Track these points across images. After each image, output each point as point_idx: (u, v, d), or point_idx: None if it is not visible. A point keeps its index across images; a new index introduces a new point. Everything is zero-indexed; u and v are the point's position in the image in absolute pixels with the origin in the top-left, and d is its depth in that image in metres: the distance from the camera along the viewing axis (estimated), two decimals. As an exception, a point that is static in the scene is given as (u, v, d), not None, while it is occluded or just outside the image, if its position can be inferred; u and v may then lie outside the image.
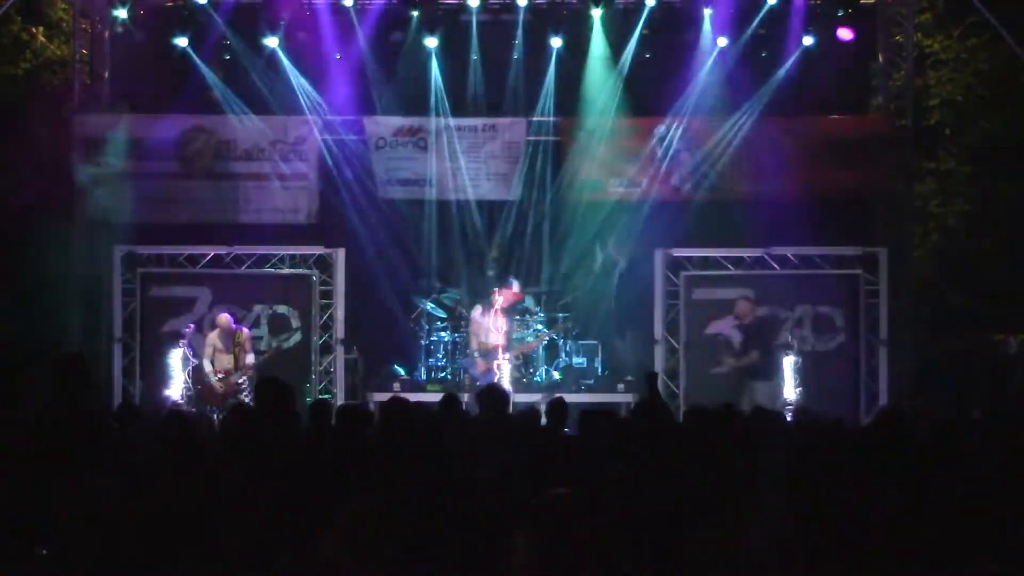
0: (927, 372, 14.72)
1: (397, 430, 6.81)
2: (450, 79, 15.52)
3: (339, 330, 14.91)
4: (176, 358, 13.97)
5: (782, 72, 15.29)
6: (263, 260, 15.10)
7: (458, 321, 15.11)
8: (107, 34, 15.45)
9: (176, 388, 13.86)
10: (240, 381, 13.62)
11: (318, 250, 15.07)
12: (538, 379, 14.75)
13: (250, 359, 13.78)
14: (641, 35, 15.38)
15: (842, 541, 5.11)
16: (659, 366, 14.48)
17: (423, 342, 15.06)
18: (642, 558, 4.88)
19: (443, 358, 14.97)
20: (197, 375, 13.90)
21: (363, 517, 3.74)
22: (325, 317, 15.00)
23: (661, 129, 15.28)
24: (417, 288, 15.38)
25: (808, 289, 14.95)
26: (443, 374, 14.88)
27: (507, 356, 14.17)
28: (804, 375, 14.09)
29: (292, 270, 15.12)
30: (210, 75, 15.33)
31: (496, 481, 5.87)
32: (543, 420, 8.60)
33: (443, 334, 15.07)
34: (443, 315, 15.21)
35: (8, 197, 14.31)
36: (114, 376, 14.69)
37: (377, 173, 15.46)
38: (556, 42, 15.32)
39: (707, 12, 15.22)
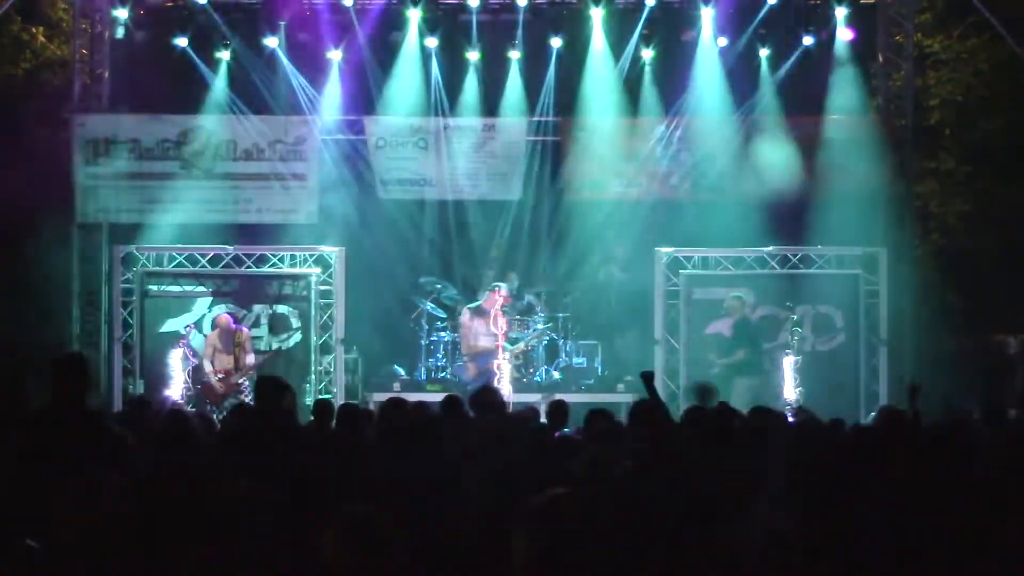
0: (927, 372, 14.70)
1: (396, 430, 6.82)
2: (450, 79, 15.54)
3: (339, 330, 14.92)
4: (176, 358, 13.96)
5: (782, 72, 15.32)
6: (263, 260, 15.12)
7: (458, 321, 15.12)
8: (107, 34, 15.45)
9: (176, 388, 13.84)
10: (240, 381, 13.64)
11: (318, 250, 15.08)
12: (538, 379, 14.76)
13: (250, 359, 13.82)
14: (641, 35, 15.40)
15: (842, 541, 5.11)
16: (659, 366, 14.48)
17: (423, 342, 15.06)
18: (642, 558, 4.88)
19: (443, 358, 14.97)
20: (197, 375, 13.90)
21: (363, 517, 3.74)
22: (325, 317, 15.00)
23: (661, 129, 15.30)
24: (417, 288, 15.38)
25: (808, 289, 14.96)
26: (443, 374, 14.88)
27: (506, 356, 14.18)
28: (804, 375, 14.11)
29: (292, 270, 15.14)
30: (210, 75, 15.35)
31: (496, 481, 5.87)
32: (543, 420, 8.61)
33: (443, 334, 15.07)
34: (443, 315, 15.20)
35: (8, 197, 14.29)
36: (114, 376, 14.71)
37: (377, 173, 15.46)
38: (556, 42, 15.34)
39: (707, 12, 15.23)
